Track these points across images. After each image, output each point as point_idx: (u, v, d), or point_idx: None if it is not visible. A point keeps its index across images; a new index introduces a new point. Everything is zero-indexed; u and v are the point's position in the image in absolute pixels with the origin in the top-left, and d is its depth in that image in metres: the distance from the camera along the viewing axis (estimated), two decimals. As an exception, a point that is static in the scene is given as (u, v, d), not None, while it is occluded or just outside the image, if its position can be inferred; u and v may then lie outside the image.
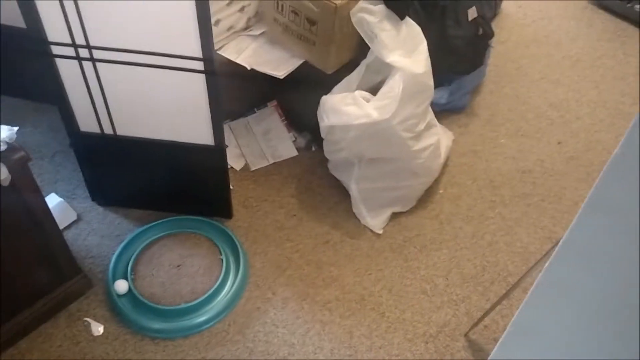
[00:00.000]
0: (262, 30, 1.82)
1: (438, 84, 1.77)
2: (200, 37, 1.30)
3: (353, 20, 1.61)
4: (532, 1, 2.67)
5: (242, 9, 1.78)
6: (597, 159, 2.01)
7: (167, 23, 1.30)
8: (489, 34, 1.96)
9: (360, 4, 1.61)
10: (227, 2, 1.72)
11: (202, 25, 1.28)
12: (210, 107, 1.45)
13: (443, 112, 2.04)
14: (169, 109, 1.47)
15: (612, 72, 2.34)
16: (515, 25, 2.53)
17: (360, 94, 1.66)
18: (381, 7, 1.62)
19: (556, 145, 2.05)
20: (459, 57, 1.95)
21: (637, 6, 2.47)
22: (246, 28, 1.83)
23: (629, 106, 2.20)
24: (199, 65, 1.35)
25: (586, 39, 2.50)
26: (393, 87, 1.57)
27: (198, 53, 1.33)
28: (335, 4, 1.57)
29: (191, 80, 1.39)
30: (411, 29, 1.64)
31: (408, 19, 1.64)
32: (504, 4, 2.56)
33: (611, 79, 2.31)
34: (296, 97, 1.96)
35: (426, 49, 1.65)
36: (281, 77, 1.72)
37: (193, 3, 1.24)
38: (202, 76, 1.38)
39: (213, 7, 1.66)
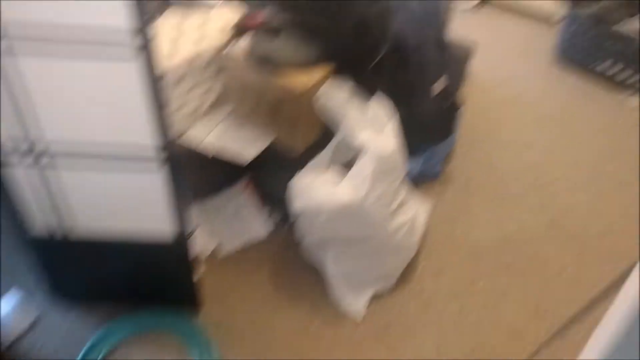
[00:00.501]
0: (227, 112, 1.78)
1: (410, 153, 1.74)
2: (156, 125, 1.22)
3: (319, 103, 1.58)
4: (499, 62, 2.70)
5: (206, 92, 1.74)
6: (579, 221, 1.97)
7: (117, 113, 1.22)
8: (458, 105, 1.94)
9: (326, 87, 1.58)
10: (191, 85, 1.68)
11: (157, 113, 1.20)
12: (170, 200, 1.37)
13: (417, 181, 1.99)
14: (126, 204, 1.39)
15: (584, 132, 2.34)
16: (484, 87, 2.54)
17: (333, 170, 1.61)
18: (348, 88, 1.59)
19: (535, 210, 2.01)
20: (429, 130, 1.93)
21: (603, 66, 2.51)
22: (211, 110, 1.78)
23: (603, 165, 2.19)
24: (156, 155, 1.28)
25: (555, 98, 2.51)
26: (363, 167, 1.52)
27: (154, 142, 1.25)
28: (300, 88, 1.53)
29: (148, 172, 1.31)
30: (379, 106, 1.61)
31: (376, 97, 1.61)
32: (472, 66, 2.59)
33: (583, 138, 2.31)
34: (267, 175, 1.90)
35: (396, 126, 1.61)
36: (245, 164, 1.67)
37: (144, 94, 1.17)
38: (160, 166, 1.30)
39: (176, 91, 1.61)
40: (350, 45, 1.59)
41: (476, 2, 3.11)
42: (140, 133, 1.23)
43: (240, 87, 1.67)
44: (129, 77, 1.15)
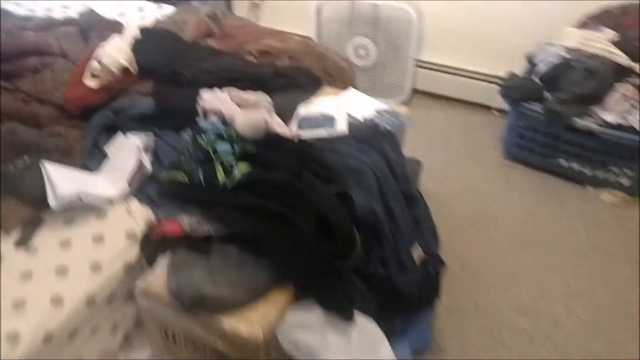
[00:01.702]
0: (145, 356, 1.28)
1: (394, 333, 1.34)
2: None
3: (283, 343, 1.13)
4: (447, 169, 2.41)
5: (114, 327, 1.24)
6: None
7: None
8: (440, 265, 1.57)
9: (289, 320, 1.14)
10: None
11: None
12: None
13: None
14: None
15: (567, 243, 2.05)
16: (442, 209, 2.21)
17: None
18: (318, 314, 1.16)
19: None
20: (412, 302, 1.53)
21: (562, 160, 2.28)
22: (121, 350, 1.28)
23: (602, 283, 1.90)
24: None
25: (520, 205, 2.23)
26: None
27: None
28: (253, 335, 1.08)
29: None
30: (365, 328, 1.19)
31: (358, 317, 1.19)
32: (422, 181, 2.26)
33: (570, 252, 2.02)
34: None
35: (389, 347, 1.19)
36: None
37: None
38: None
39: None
40: (313, 252, 1.17)
41: (407, 94, 2.84)
42: None
43: (166, 341, 1.19)
44: None
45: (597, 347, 1.71)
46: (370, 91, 2.86)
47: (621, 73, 2.10)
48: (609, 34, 2.22)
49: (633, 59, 2.10)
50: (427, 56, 2.83)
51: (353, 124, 1.63)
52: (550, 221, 2.15)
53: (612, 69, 2.09)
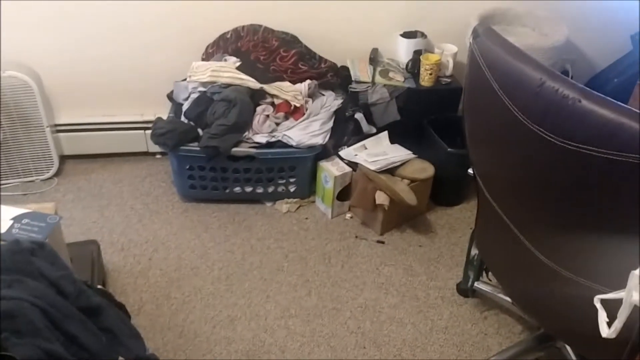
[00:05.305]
0: None
1: None
2: None
3: None
4: (132, 240, 2.21)
5: None
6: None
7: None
8: (154, 363, 1.40)
9: None
10: None
11: None
12: None
13: None
14: None
15: (265, 266, 2.11)
16: (137, 282, 2.02)
17: None
18: None
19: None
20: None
21: (237, 187, 2.32)
22: None
23: (305, 294, 2.02)
24: None
25: (214, 246, 2.20)
26: None
27: None
28: None
29: None
30: None
31: None
32: (105, 261, 2.02)
33: (269, 273, 2.08)
34: None
35: None
36: None
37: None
38: None
39: None
40: None
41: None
42: None
43: None
44: None
45: (324, 357, 1.82)
46: (12, 173, 2.44)
47: (257, 96, 2.24)
48: (233, 60, 2.34)
49: (260, 80, 2.26)
50: (65, 119, 2.54)
51: (-13, 251, 1.29)
52: (245, 250, 2.18)
53: (247, 93, 2.20)
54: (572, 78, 2.49)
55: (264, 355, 1.80)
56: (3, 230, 1.36)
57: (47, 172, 2.51)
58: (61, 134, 2.54)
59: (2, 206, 1.44)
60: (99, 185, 2.49)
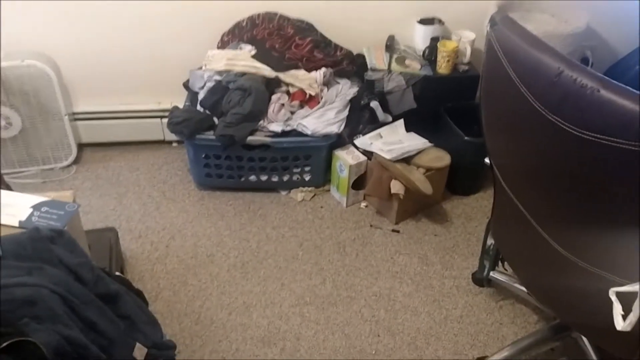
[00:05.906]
0: None
1: None
2: None
3: None
4: (149, 227, 2.23)
5: None
6: None
7: None
8: (170, 351, 1.42)
9: None
10: None
11: None
12: None
13: None
14: None
15: (280, 255, 2.13)
16: (155, 268, 2.05)
17: None
18: None
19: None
20: None
21: (252, 176, 2.33)
22: None
23: (320, 282, 2.03)
24: None
25: (230, 233, 2.22)
26: None
27: None
28: None
29: None
30: None
31: None
32: (123, 248, 2.04)
33: (284, 262, 2.10)
34: None
35: None
36: None
37: None
38: None
39: None
40: None
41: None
42: None
43: None
44: None
45: (338, 345, 1.83)
46: (32, 161, 2.48)
47: (272, 84, 2.24)
48: (248, 48, 2.34)
49: (275, 69, 2.25)
50: (83, 107, 2.56)
51: (6, 239, 1.32)
52: (260, 238, 2.20)
53: (262, 82, 2.20)
54: (592, 65, 2.45)
55: (279, 342, 1.81)
56: (23, 218, 1.38)
57: (66, 160, 2.54)
58: (79, 122, 2.57)
59: (22, 194, 1.47)
60: (117, 173, 2.52)
